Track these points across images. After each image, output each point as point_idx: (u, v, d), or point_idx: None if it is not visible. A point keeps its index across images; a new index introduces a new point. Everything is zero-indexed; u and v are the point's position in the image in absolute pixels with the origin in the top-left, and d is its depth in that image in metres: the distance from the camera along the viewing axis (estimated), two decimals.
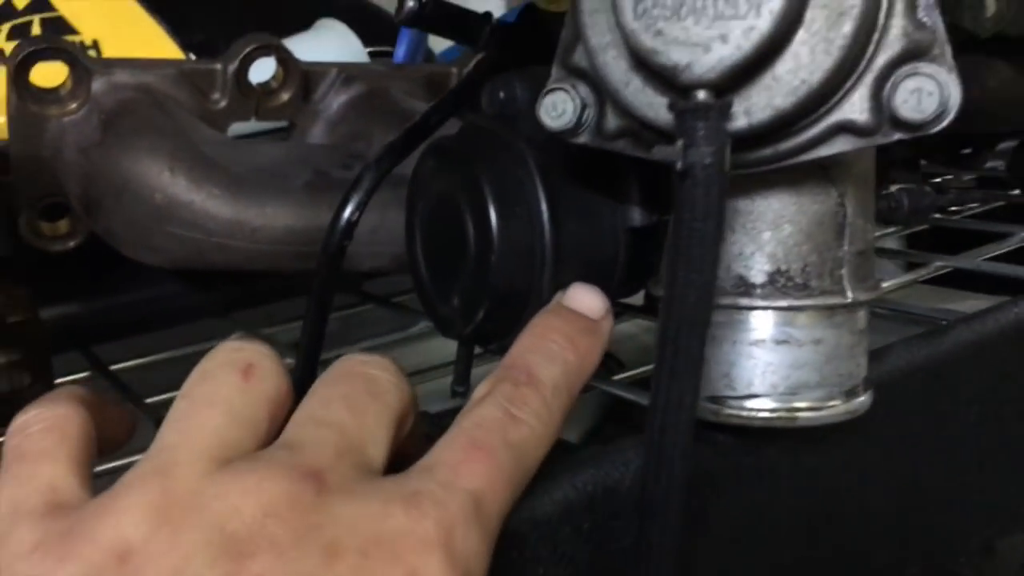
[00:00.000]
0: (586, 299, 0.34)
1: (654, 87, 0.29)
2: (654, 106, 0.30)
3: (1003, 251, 0.64)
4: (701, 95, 0.28)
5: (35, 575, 0.24)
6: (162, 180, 0.47)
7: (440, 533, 0.26)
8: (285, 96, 0.57)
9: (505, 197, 0.36)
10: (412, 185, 0.41)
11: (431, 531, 0.26)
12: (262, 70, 0.57)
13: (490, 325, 0.38)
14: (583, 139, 0.33)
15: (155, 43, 0.66)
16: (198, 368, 0.29)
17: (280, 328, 0.64)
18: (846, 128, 0.30)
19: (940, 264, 0.62)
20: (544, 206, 0.36)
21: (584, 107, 0.32)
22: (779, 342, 0.34)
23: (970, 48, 0.46)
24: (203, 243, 0.48)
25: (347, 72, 0.58)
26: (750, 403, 0.34)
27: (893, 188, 0.51)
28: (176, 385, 0.29)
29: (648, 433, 0.30)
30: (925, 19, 0.29)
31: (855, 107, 0.29)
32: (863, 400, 0.35)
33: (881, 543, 0.43)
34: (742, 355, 0.34)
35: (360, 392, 0.29)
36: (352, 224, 0.37)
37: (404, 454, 0.30)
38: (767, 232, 0.33)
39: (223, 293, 0.63)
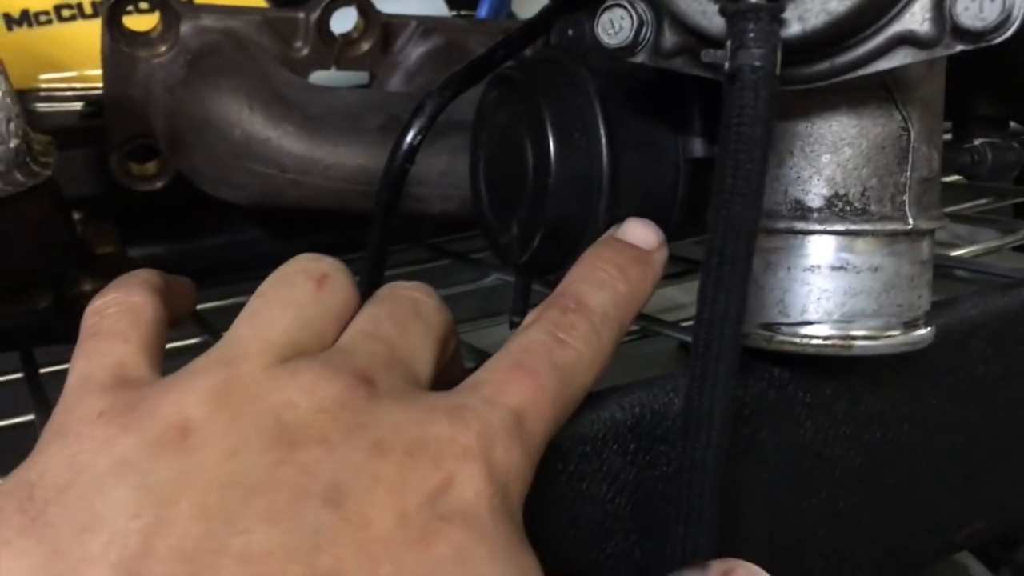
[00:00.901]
0: (640, 231, 0.34)
1: None
2: (707, 14, 0.29)
3: None
4: None
5: (99, 438, 0.25)
6: (241, 117, 0.49)
7: (481, 444, 0.26)
8: (365, 46, 0.58)
9: (564, 124, 0.36)
10: (476, 116, 0.41)
11: (472, 441, 0.26)
12: (344, 20, 0.58)
13: (546, 254, 0.38)
14: (641, 58, 0.33)
15: None
16: (277, 272, 0.30)
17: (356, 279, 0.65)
18: (907, 39, 0.29)
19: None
20: (602, 134, 0.36)
21: (642, 23, 0.32)
22: (835, 268, 0.33)
23: None
24: (278, 179, 0.49)
25: (426, 25, 0.59)
26: (804, 329, 0.34)
27: (977, 142, 0.49)
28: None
29: (693, 346, 0.30)
30: None
31: (916, 16, 0.29)
32: (924, 334, 0.34)
33: (944, 496, 0.41)
34: (797, 281, 0.33)
35: (407, 312, 0.30)
36: (414, 148, 0.38)
37: (449, 378, 0.31)
38: (826, 155, 0.33)
39: (306, 242, 0.64)
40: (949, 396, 0.41)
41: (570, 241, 0.37)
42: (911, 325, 0.34)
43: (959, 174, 0.50)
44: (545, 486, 0.32)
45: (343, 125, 0.50)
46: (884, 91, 0.32)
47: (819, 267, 0.33)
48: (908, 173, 0.33)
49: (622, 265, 0.33)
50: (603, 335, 0.31)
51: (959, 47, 0.28)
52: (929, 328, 0.35)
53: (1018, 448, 0.43)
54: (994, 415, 0.42)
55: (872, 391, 0.39)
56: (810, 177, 0.33)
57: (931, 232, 0.34)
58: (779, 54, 0.27)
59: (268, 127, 0.49)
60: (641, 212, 0.36)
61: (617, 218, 0.36)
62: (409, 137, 0.38)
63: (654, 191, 0.38)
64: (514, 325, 0.42)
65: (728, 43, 0.27)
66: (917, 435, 0.40)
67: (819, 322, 0.33)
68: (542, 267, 0.39)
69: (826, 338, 0.33)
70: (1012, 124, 0.54)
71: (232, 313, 0.61)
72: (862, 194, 0.33)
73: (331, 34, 0.57)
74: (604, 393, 0.35)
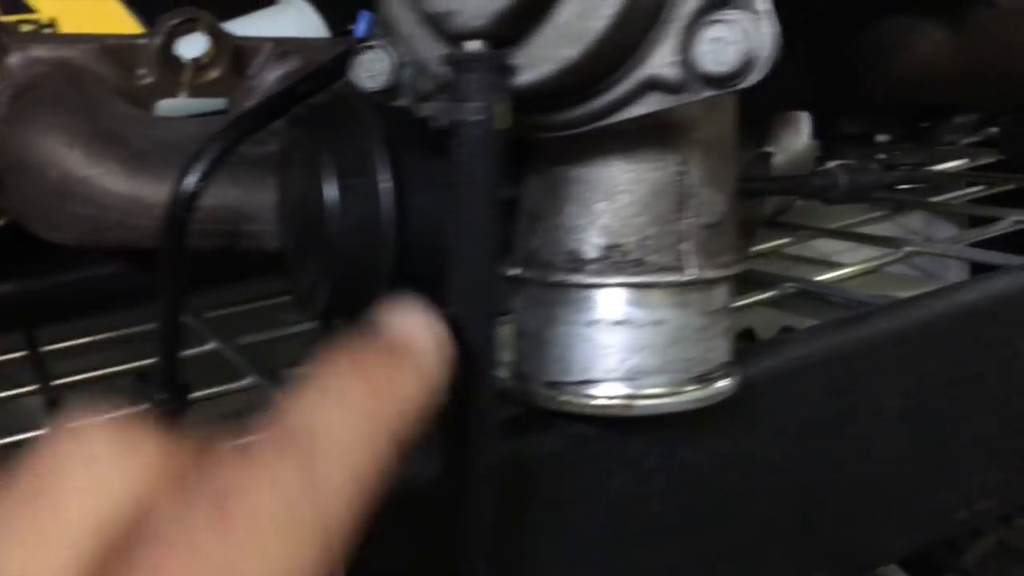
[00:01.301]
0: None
1: (436, 38, 0.27)
2: (439, 60, 0.27)
3: (986, 236, 0.60)
4: (473, 45, 0.25)
5: None
6: (58, 155, 0.46)
7: None
8: (216, 72, 0.56)
9: (346, 168, 0.34)
10: (279, 156, 0.39)
11: None
12: (195, 45, 0.56)
13: (341, 304, 0.36)
14: (403, 102, 0.31)
15: (114, 18, 0.65)
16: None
17: (229, 311, 0.63)
18: (655, 85, 0.27)
19: (910, 250, 0.58)
20: (385, 177, 0.34)
21: (402, 66, 0.30)
22: (616, 323, 0.31)
23: (897, 8, 0.43)
24: (102, 219, 0.47)
25: (283, 47, 0.57)
26: (586, 388, 0.32)
27: (831, 164, 0.47)
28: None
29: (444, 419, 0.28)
30: None
31: (662, 61, 0.27)
32: (722, 387, 0.32)
33: (778, 546, 0.39)
34: (577, 337, 0.31)
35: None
36: (191, 196, 0.35)
37: None
38: (601, 202, 0.31)
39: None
40: (778, 441, 0.39)
41: (365, 291, 0.35)
42: (703, 379, 0.32)
43: (814, 198, 0.48)
44: None
45: (172, 160, 0.48)
46: (656, 134, 0.30)
47: (599, 322, 0.31)
48: (689, 220, 0.31)
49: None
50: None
51: (706, 93, 0.26)
52: (729, 379, 0.33)
53: (858, 492, 0.41)
54: (829, 458, 0.40)
55: (689, 442, 0.37)
56: (586, 226, 0.31)
57: (724, 280, 0.32)
58: (504, 106, 0.25)
59: (87, 165, 0.46)
60: (438, 257, 0.34)
61: (412, 267, 0.34)
62: (187, 184, 0.35)
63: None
64: None
65: (446, 96, 0.25)
66: (743, 484, 0.38)
67: (601, 380, 0.31)
68: (341, 315, 0.37)
69: (609, 397, 0.31)
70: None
71: (83, 352, 0.59)
72: (639, 244, 0.30)
73: (177, 60, 0.55)
74: None
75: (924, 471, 0.42)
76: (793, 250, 0.66)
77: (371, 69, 0.30)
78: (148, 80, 0.54)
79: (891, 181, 0.48)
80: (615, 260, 0.30)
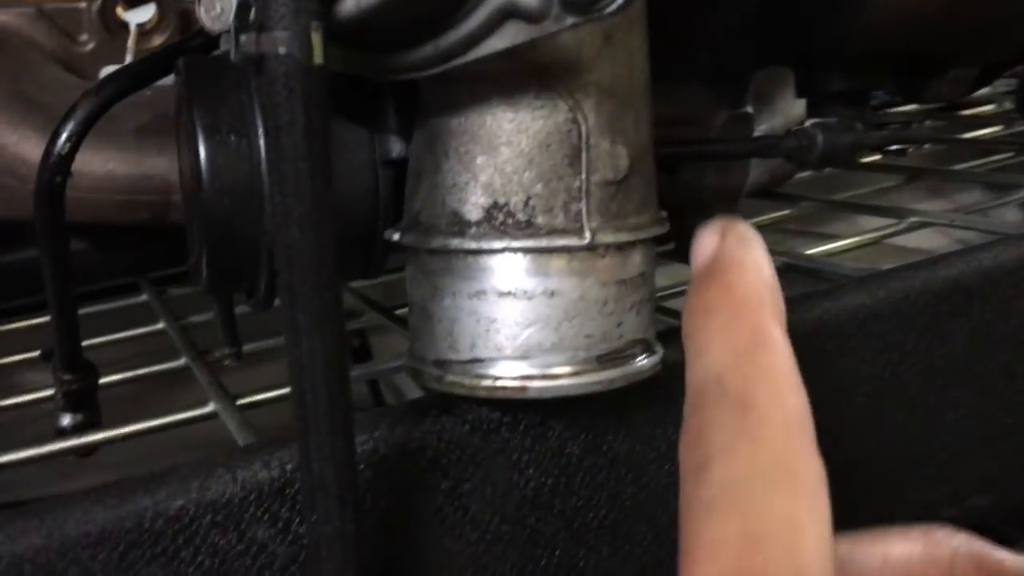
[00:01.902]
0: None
1: None
2: None
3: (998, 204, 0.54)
4: None
5: None
6: None
7: None
8: (161, 38, 0.53)
9: (217, 126, 0.31)
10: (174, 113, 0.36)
11: None
12: (140, 11, 0.53)
13: (220, 272, 0.33)
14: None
15: None
16: None
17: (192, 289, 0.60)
18: (512, 12, 0.23)
19: (914, 220, 0.53)
20: (260, 133, 0.30)
21: (246, 5, 0.26)
22: (503, 294, 0.27)
23: None
24: (20, 190, 0.44)
25: None
26: (475, 368, 0.28)
27: (808, 123, 0.43)
28: None
29: (292, 404, 0.24)
30: None
31: None
32: (635, 367, 0.28)
33: None
34: (463, 310, 0.28)
35: None
36: (63, 158, 0.32)
37: None
38: (481, 156, 0.27)
39: (130, 253, 0.60)
40: None
41: (250, 260, 0.32)
42: (610, 358, 0.28)
43: (789, 160, 0.44)
44: (161, 568, 0.27)
45: (100, 128, 0.45)
46: (540, 76, 0.26)
47: (485, 293, 0.27)
48: (584, 176, 0.27)
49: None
50: None
51: (570, 20, 0.22)
52: (646, 359, 0.29)
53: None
54: None
55: (618, 427, 0.33)
56: (466, 184, 0.27)
57: (633, 244, 0.28)
58: (317, 37, 0.21)
59: (4, 132, 0.44)
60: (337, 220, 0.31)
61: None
62: (58, 146, 0.32)
63: (347, 198, 0.32)
64: (226, 357, 0.36)
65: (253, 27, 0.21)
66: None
67: (490, 359, 0.27)
68: (227, 287, 0.34)
69: (498, 378, 0.27)
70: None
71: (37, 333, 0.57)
72: (526, 203, 0.27)
73: (119, 25, 0.52)
74: (251, 448, 0.29)
75: (901, 464, 0.38)
76: (797, 225, 0.61)
77: (215, 7, 0.27)
78: (90, 46, 0.52)
79: (876, 142, 0.43)
80: (500, 222, 0.27)
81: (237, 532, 0.28)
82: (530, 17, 0.23)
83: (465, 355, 0.28)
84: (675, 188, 0.48)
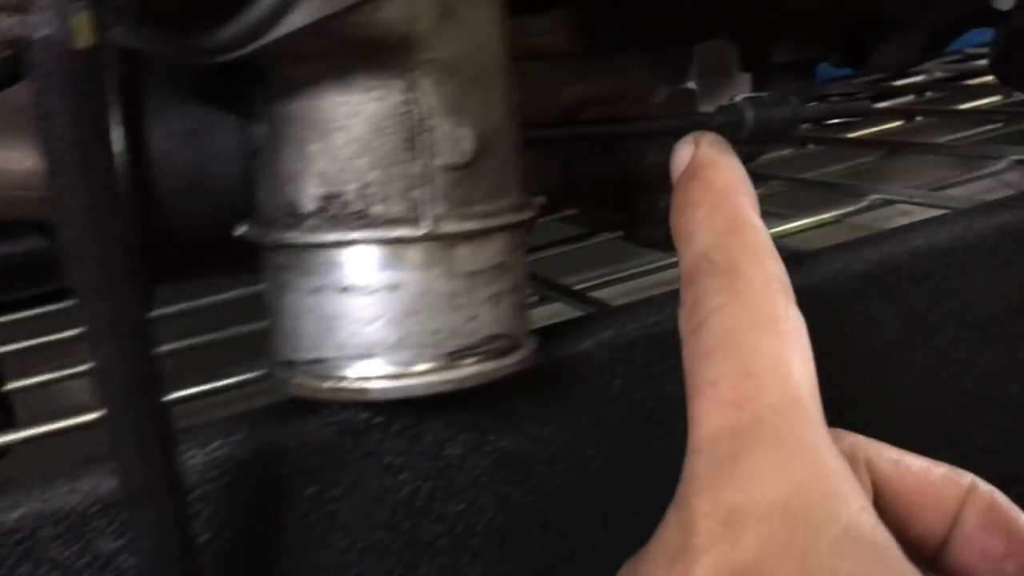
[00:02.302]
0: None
1: None
2: None
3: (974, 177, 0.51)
4: None
5: None
6: None
7: None
8: None
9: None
10: None
11: None
12: None
13: None
14: None
15: None
16: None
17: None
18: None
19: (876, 198, 0.50)
20: (123, 130, 0.29)
21: None
22: (343, 289, 0.25)
23: None
24: None
25: None
26: (318, 368, 0.26)
27: (738, 98, 0.40)
28: None
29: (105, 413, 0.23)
30: None
31: None
32: (492, 365, 0.27)
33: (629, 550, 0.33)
34: (303, 307, 0.26)
35: None
36: None
37: None
38: (315, 143, 0.25)
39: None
40: (625, 423, 0.32)
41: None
42: (459, 356, 0.26)
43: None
44: None
45: (6, 121, 0.44)
46: (372, 55, 0.24)
47: (323, 288, 0.26)
48: (424, 161, 0.25)
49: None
50: None
51: None
52: (509, 354, 0.27)
53: None
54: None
55: (504, 426, 0.31)
56: (301, 172, 0.25)
57: (485, 233, 0.26)
58: (84, 18, 0.20)
59: None
60: (202, 213, 0.29)
61: (172, 222, 0.29)
62: None
63: (213, 187, 0.31)
64: None
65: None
66: (580, 477, 0.32)
67: (332, 359, 0.26)
68: None
69: (340, 379, 0.26)
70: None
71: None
72: (361, 192, 0.25)
73: None
74: (95, 457, 0.28)
75: None
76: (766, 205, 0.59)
77: None
78: None
79: (815, 115, 0.40)
80: (334, 213, 0.25)
81: (80, 545, 0.27)
82: None
83: (308, 355, 0.26)
84: (614, 169, 0.46)
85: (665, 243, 0.50)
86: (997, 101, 0.72)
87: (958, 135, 0.63)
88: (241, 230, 0.27)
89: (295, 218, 0.25)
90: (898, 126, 0.68)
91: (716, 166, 0.28)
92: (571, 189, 0.46)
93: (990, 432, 0.38)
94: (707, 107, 0.45)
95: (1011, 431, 0.39)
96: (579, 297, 0.41)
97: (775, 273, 0.25)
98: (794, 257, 0.36)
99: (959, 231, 0.36)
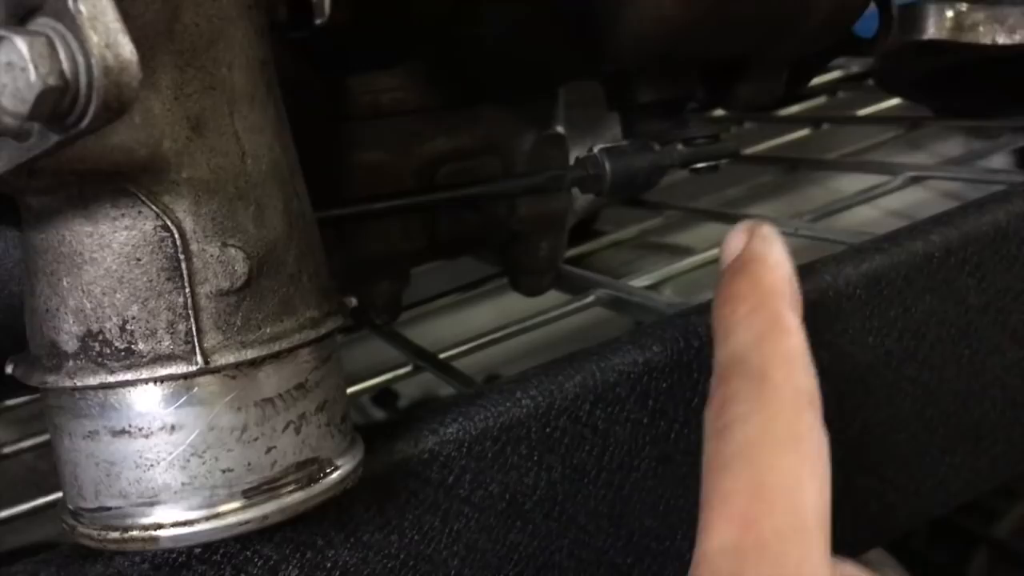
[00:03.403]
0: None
1: None
2: None
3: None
4: None
5: None
6: None
7: None
8: None
9: None
10: None
11: None
12: None
13: None
14: None
15: None
16: None
17: None
18: None
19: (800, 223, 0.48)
20: None
21: None
22: (117, 432, 0.23)
23: None
24: None
25: None
26: (103, 518, 0.24)
27: (596, 149, 0.38)
28: None
29: None
30: None
31: None
32: (298, 496, 0.24)
33: None
34: (81, 452, 0.24)
35: None
36: None
37: None
38: (66, 277, 0.23)
39: None
40: (480, 519, 0.30)
41: None
42: (260, 491, 0.24)
43: (584, 192, 0.39)
44: None
45: None
46: (113, 181, 0.22)
47: (97, 433, 0.23)
48: (188, 290, 0.23)
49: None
50: None
51: (55, 138, 0.18)
52: (320, 478, 0.25)
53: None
54: (547, 543, 0.32)
55: (347, 539, 0.29)
56: (57, 309, 0.23)
57: (280, 355, 0.24)
58: None
59: None
60: None
61: None
62: None
63: None
64: None
65: None
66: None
67: (116, 507, 0.24)
68: None
69: (125, 529, 0.24)
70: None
71: None
72: (122, 329, 0.23)
73: None
74: None
75: None
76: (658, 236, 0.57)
77: None
78: None
79: (678, 161, 0.38)
80: (97, 352, 0.23)
81: None
82: (17, 137, 0.18)
83: (92, 503, 0.24)
84: (482, 224, 0.44)
85: (547, 288, 0.48)
86: (901, 104, 0.71)
87: (860, 145, 0.61)
88: (8, 368, 0.25)
89: (58, 358, 0.23)
90: (802, 136, 0.67)
91: (765, 263, 0.28)
92: (438, 251, 0.44)
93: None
94: (580, 146, 0.43)
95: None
96: (446, 369, 0.39)
97: (806, 387, 0.25)
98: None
99: (828, 281, 0.34)
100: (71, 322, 0.23)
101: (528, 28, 0.37)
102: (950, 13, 0.48)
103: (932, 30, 0.48)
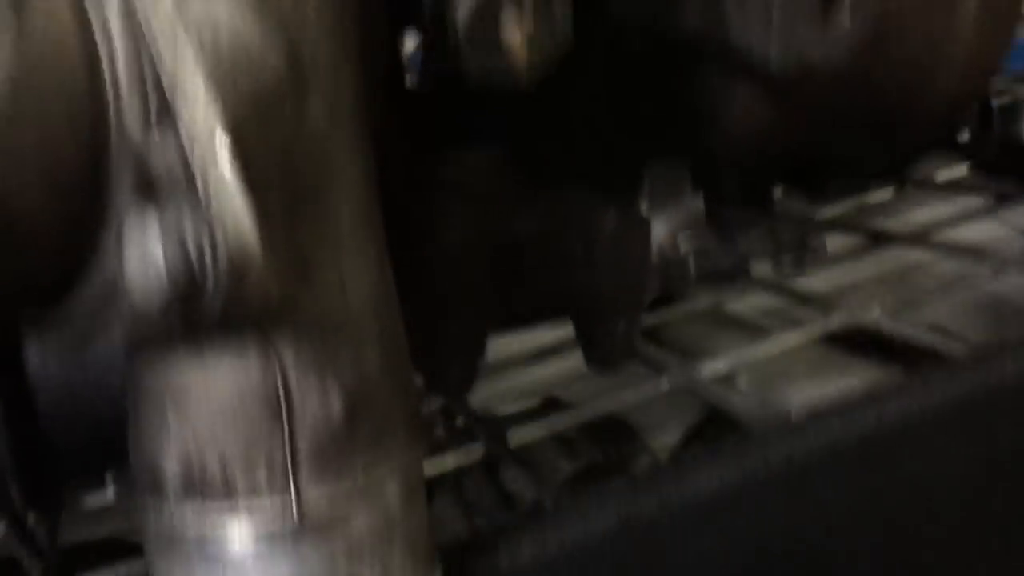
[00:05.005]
0: None
1: None
2: None
3: None
4: None
5: None
6: None
7: None
8: None
9: None
10: None
11: None
12: None
13: None
14: None
15: None
16: None
17: None
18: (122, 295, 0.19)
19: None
20: None
21: None
22: (210, 560, 0.24)
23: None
24: None
25: None
26: None
27: (680, 244, 0.38)
28: None
29: None
30: None
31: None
32: None
33: None
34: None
35: None
36: None
37: None
38: (172, 410, 0.23)
39: None
40: None
41: None
42: None
43: (668, 291, 0.39)
44: None
45: None
46: (228, 324, 0.22)
47: (190, 559, 0.24)
48: (288, 427, 0.23)
49: None
50: None
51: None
52: None
53: None
54: None
55: None
56: (164, 437, 0.24)
57: (366, 491, 0.24)
58: None
59: None
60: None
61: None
62: None
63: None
64: None
65: None
66: None
67: None
68: None
69: None
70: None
71: None
72: (222, 462, 0.23)
73: None
74: None
75: None
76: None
77: None
78: None
79: (759, 254, 0.38)
80: (196, 483, 0.23)
81: None
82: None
83: None
84: (564, 298, 0.44)
85: (620, 365, 0.48)
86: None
87: (944, 214, 0.60)
88: (110, 487, 0.25)
89: (159, 482, 0.24)
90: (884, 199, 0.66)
91: None
92: (515, 323, 0.44)
93: None
94: (660, 218, 0.43)
95: None
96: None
97: None
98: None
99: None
100: (173, 451, 0.23)
101: (627, 116, 0.36)
102: None
103: None
